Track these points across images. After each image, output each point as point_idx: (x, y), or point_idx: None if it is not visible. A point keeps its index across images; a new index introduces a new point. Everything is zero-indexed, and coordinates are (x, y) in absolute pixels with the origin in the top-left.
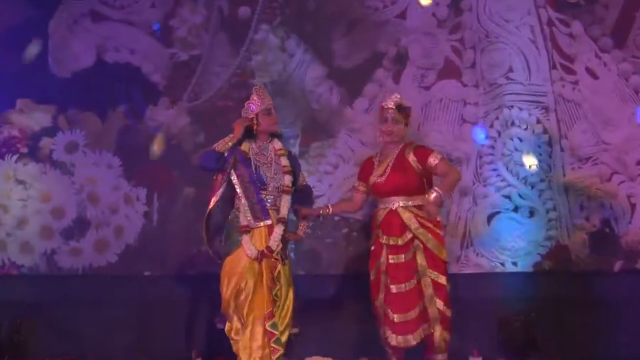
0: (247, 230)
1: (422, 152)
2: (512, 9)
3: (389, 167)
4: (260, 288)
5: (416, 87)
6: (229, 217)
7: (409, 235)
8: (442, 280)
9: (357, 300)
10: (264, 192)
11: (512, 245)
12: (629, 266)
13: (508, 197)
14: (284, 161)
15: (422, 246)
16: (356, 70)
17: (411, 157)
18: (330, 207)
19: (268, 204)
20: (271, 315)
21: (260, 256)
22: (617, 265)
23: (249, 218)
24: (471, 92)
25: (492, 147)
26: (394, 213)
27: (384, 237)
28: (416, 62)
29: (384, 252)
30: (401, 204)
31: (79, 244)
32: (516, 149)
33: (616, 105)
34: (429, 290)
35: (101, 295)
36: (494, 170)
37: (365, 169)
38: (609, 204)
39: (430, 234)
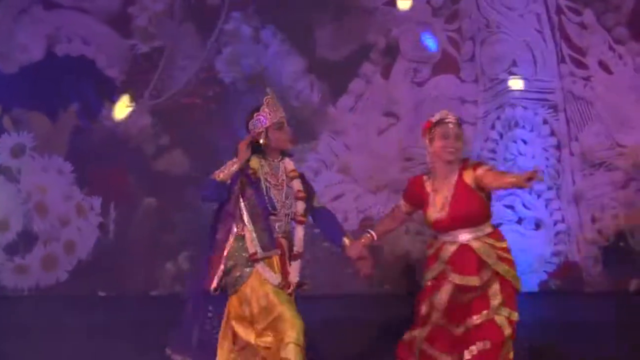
0: (258, 259)
1: (479, 169)
2: None
3: (448, 200)
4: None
5: (408, 83)
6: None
7: (488, 274)
8: (515, 317)
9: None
10: (273, 217)
11: (515, 261)
12: None
13: (511, 207)
14: (297, 185)
15: (498, 281)
16: (340, 63)
17: (471, 180)
18: (372, 233)
19: (277, 232)
20: None
21: (282, 286)
22: (633, 285)
23: (257, 247)
24: (470, 89)
25: (494, 150)
26: (466, 248)
27: (455, 276)
28: (408, 55)
29: (448, 290)
30: (471, 236)
31: (25, 260)
32: (520, 153)
33: (633, 103)
34: (507, 331)
35: (49, 319)
36: None
37: (414, 191)
38: (625, 215)
39: (506, 265)
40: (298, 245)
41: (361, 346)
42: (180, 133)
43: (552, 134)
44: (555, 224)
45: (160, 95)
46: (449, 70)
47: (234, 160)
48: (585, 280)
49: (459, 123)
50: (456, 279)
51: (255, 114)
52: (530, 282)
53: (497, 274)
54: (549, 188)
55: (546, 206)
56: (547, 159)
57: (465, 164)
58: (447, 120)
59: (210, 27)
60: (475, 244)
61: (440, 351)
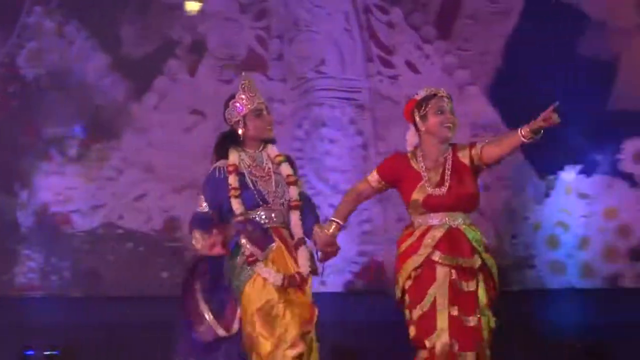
0: (255, 260)
1: (475, 146)
2: None
3: (447, 177)
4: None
5: (215, 81)
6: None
7: (479, 261)
8: (492, 323)
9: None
10: (266, 211)
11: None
12: None
13: (317, 206)
14: (286, 169)
15: (483, 276)
16: (145, 60)
17: (468, 160)
18: (337, 220)
19: (274, 223)
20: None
21: (288, 282)
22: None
23: (252, 250)
24: (278, 87)
25: (301, 149)
26: (457, 232)
27: (446, 257)
28: (215, 53)
29: (444, 277)
30: (461, 221)
31: None
32: (327, 153)
33: None
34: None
35: None
36: (302, 176)
37: (395, 167)
38: None
39: (493, 260)
40: (297, 232)
41: None
42: None
43: (359, 133)
44: (360, 224)
45: None
46: (256, 69)
47: (202, 238)
48: (390, 280)
49: (450, 97)
50: (446, 259)
51: (231, 102)
52: (335, 283)
53: (482, 267)
54: None
55: None
56: (354, 158)
57: (456, 145)
58: (440, 94)
59: (11, 20)
60: (465, 229)
61: (470, 350)
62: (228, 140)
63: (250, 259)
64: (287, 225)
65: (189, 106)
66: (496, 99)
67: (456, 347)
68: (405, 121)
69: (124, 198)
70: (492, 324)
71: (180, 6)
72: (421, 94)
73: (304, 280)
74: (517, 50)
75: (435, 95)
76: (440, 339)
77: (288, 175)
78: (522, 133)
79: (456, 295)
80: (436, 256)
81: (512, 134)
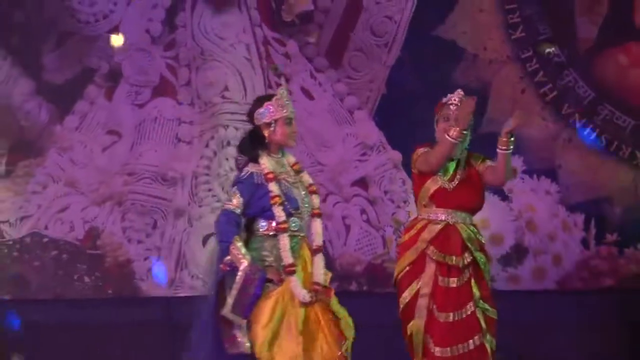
0: (294, 270)
1: (485, 164)
2: (228, 26)
3: (458, 174)
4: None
5: (130, 105)
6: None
7: (469, 258)
8: (493, 314)
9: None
10: (298, 219)
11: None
12: (342, 288)
13: None
14: (307, 178)
15: (474, 272)
16: (67, 86)
17: (481, 169)
18: None
19: (302, 232)
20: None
21: (315, 298)
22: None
23: (291, 257)
24: (186, 111)
25: (208, 167)
26: (453, 229)
27: (439, 254)
28: (130, 79)
29: (432, 271)
30: (460, 219)
31: None
32: (232, 169)
33: (331, 126)
34: (483, 325)
35: None
36: (210, 190)
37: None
38: (324, 226)
39: (485, 258)
40: (319, 240)
41: None
42: None
43: None
44: None
45: None
46: (167, 94)
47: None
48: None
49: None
50: (438, 256)
51: (266, 102)
52: None
53: (474, 264)
54: None
55: None
56: None
57: (471, 153)
58: (449, 103)
59: None
60: (461, 227)
61: (439, 345)
62: (255, 142)
63: (290, 268)
64: (303, 235)
65: (107, 127)
66: (381, 122)
67: (430, 342)
68: (303, 143)
69: (49, 210)
70: (492, 315)
71: (98, 38)
72: (445, 99)
73: (322, 287)
74: (400, 78)
75: (445, 103)
76: (415, 327)
77: (310, 185)
78: (501, 147)
79: (436, 289)
80: (429, 250)
81: (498, 155)
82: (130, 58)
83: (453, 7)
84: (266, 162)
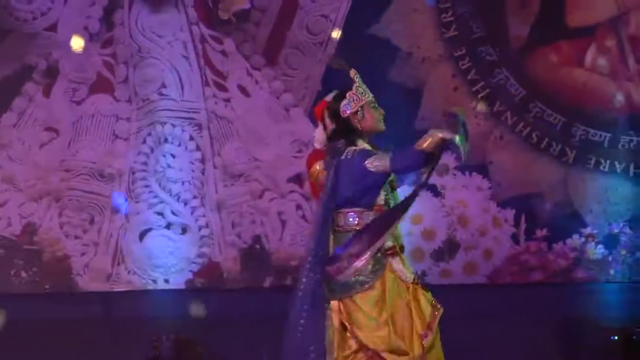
0: (395, 252)
1: None
2: (165, 24)
3: None
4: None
5: (67, 102)
6: None
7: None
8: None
9: None
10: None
11: (164, 262)
12: (279, 282)
13: (160, 213)
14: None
15: None
16: (4, 83)
17: None
18: None
19: None
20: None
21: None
22: (268, 282)
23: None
24: (124, 108)
25: (145, 163)
26: None
27: None
28: (68, 76)
29: None
30: None
31: None
32: (169, 166)
33: (267, 122)
34: None
35: None
36: (147, 186)
37: None
38: (260, 221)
39: None
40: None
41: None
42: None
43: (198, 148)
44: (200, 229)
45: None
46: (104, 91)
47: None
48: (226, 278)
49: None
50: None
51: (348, 93)
52: (177, 281)
53: None
54: (195, 197)
55: (192, 213)
56: (193, 171)
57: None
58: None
59: None
60: None
61: None
62: (350, 134)
63: (392, 250)
64: None
65: (45, 124)
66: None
67: None
68: (239, 139)
69: None
70: None
71: (36, 35)
72: None
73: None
74: (335, 75)
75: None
76: None
77: (391, 180)
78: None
79: None
80: None
81: None
82: (68, 55)
83: (388, 6)
84: (367, 147)
